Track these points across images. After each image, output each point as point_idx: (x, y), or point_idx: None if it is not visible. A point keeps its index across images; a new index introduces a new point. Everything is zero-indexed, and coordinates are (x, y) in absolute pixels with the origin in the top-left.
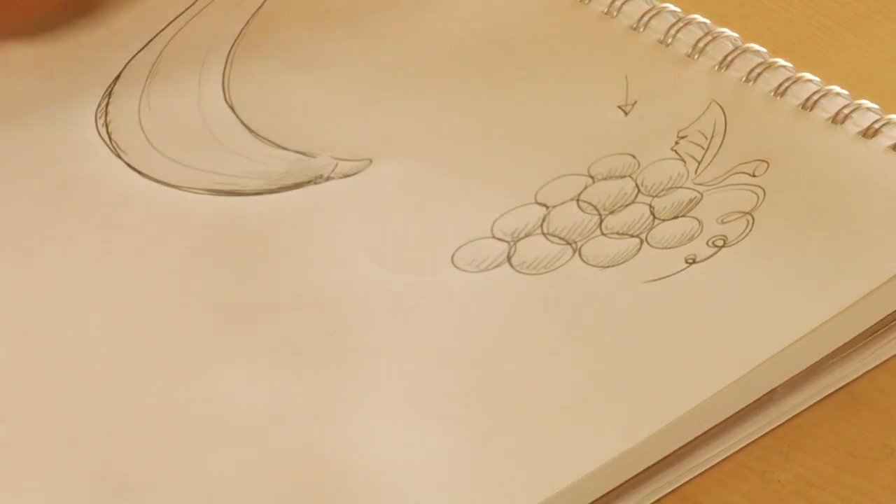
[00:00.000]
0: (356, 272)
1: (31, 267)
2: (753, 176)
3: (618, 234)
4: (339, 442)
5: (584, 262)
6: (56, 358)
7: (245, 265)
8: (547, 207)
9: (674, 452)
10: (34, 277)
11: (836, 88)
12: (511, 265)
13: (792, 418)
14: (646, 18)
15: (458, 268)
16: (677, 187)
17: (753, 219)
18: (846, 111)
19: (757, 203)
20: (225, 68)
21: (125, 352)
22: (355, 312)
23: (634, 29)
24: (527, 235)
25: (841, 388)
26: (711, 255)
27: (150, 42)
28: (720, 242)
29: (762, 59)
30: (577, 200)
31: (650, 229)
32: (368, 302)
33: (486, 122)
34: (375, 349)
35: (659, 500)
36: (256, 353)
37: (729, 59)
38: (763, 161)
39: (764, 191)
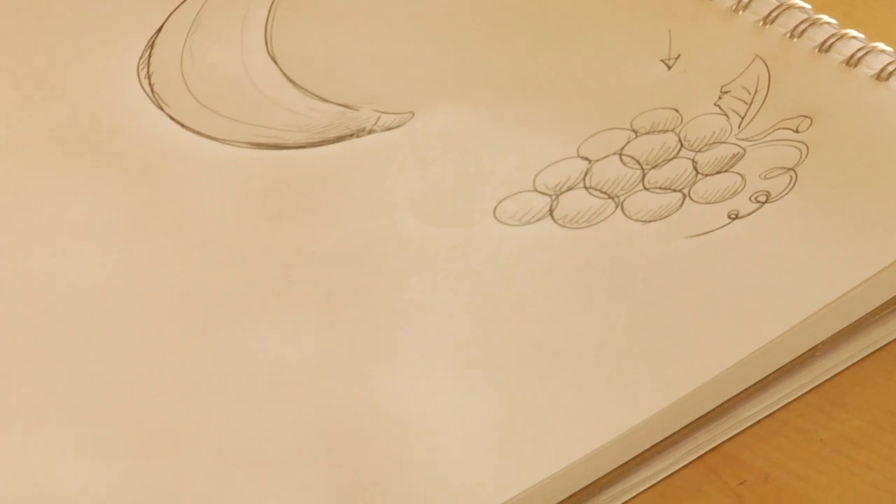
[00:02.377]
0: (398, 226)
1: (73, 221)
2: (797, 132)
3: (660, 188)
4: (378, 396)
5: (626, 216)
6: (97, 313)
7: (286, 219)
8: (589, 161)
9: (715, 409)
10: (76, 231)
11: (881, 45)
12: (553, 219)
13: (834, 376)
14: None
15: (500, 221)
16: (720, 142)
17: (796, 175)
18: (890, 68)
19: (800, 159)
20: (267, 20)
21: (166, 306)
22: (396, 266)
23: None
24: (569, 189)
25: (883, 346)
26: (754, 211)
27: None
28: (763, 198)
29: (807, 16)
30: (620, 154)
31: (693, 184)
32: (409, 256)
33: (528, 76)
34: (416, 303)
35: (700, 456)
36: (297, 307)
37: (773, 14)
38: (806, 117)
39: (807, 147)
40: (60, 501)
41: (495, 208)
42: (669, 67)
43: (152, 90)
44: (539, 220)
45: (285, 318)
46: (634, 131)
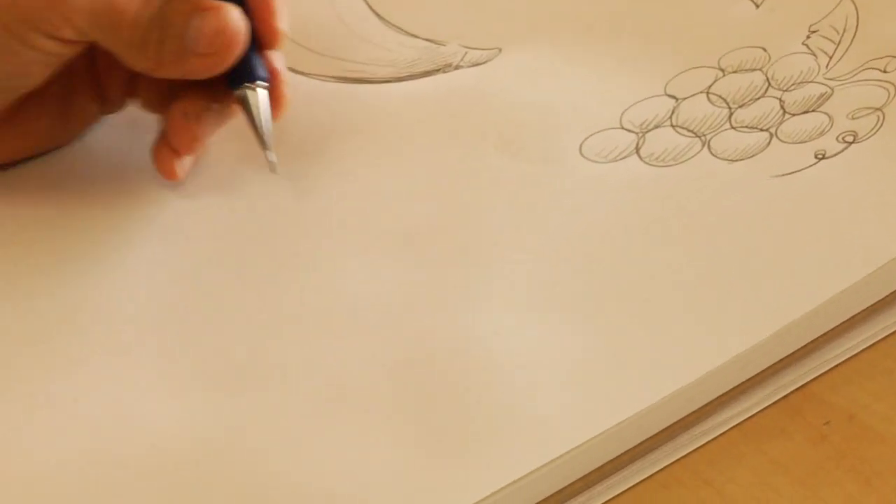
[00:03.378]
0: (483, 162)
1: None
2: (885, 72)
3: (747, 127)
4: (461, 332)
5: (712, 155)
6: (176, 243)
7: (370, 154)
8: (676, 99)
9: (800, 349)
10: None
11: None
12: (639, 156)
13: None
14: None
15: (586, 158)
16: (808, 82)
17: (884, 115)
18: None
19: (888, 99)
20: None
21: (253, 243)
22: (481, 203)
23: None
24: (656, 127)
25: None
26: (841, 151)
27: None
28: (850, 138)
29: None
30: (707, 93)
31: (780, 123)
32: (495, 192)
33: (616, 12)
34: (500, 239)
35: (784, 396)
36: (380, 242)
37: None
38: (894, 57)
39: (895, 87)
40: (146, 431)
41: (581, 145)
42: (757, 6)
43: None
44: (625, 157)
45: (368, 252)
46: (722, 70)
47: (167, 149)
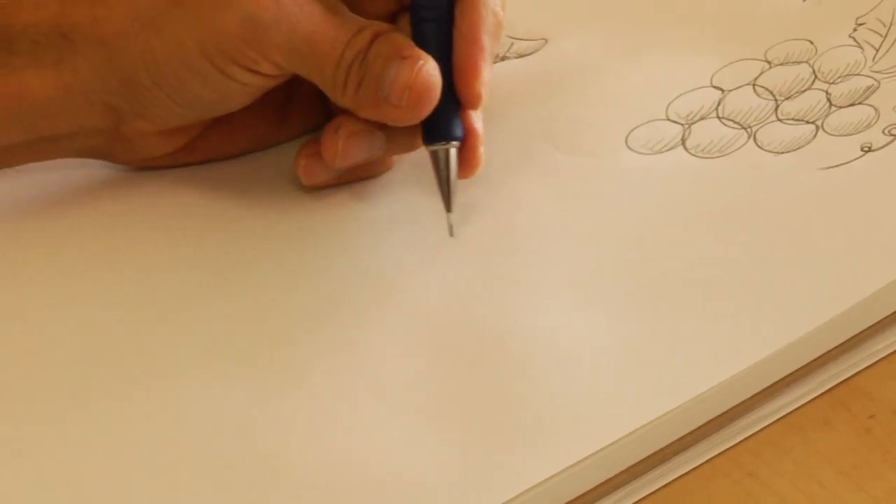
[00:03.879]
0: (530, 153)
1: None
2: None
3: (794, 119)
4: (506, 323)
5: (758, 146)
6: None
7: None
8: (723, 91)
9: (846, 342)
10: None
11: None
12: (685, 148)
13: None
14: None
15: (632, 149)
16: (854, 74)
17: None
18: None
19: None
20: None
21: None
22: (529, 193)
23: None
24: (702, 118)
25: None
26: (887, 144)
27: None
28: None
29: None
30: (754, 85)
31: (826, 116)
32: (542, 183)
33: (663, 4)
34: (545, 230)
35: (829, 389)
36: (427, 233)
37: None
38: None
39: None
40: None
41: (627, 137)
42: None
43: None
44: (671, 149)
45: (416, 244)
46: (768, 62)
47: (312, 150)
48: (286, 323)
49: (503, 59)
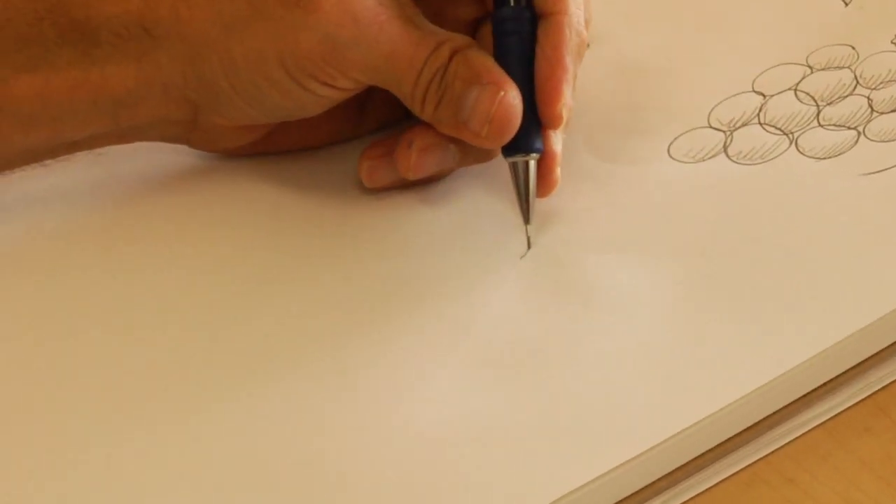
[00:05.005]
0: (572, 162)
1: None
2: None
3: (835, 125)
4: (546, 328)
5: (800, 152)
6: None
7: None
8: (764, 96)
9: (887, 348)
10: None
11: None
12: (727, 155)
13: None
14: None
15: (675, 158)
16: None
17: None
18: None
19: None
20: None
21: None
22: (570, 203)
23: None
24: (743, 125)
25: None
26: None
27: None
28: None
29: None
30: (795, 90)
31: (868, 122)
32: (583, 192)
33: (703, 8)
34: (589, 239)
35: (870, 395)
36: (465, 242)
37: None
38: None
39: None
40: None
41: (669, 146)
42: (846, 4)
43: None
44: (713, 156)
45: (454, 251)
46: (810, 67)
47: (376, 153)
48: (336, 323)
49: None
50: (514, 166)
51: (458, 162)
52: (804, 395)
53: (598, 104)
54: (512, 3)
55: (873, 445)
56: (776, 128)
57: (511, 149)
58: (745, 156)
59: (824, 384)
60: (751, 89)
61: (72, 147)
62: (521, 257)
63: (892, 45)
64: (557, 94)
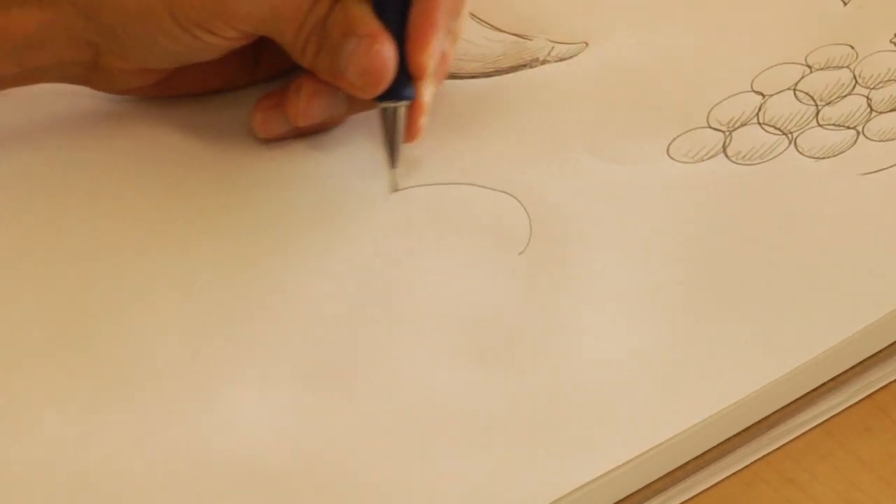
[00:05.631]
0: (571, 161)
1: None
2: None
3: (834, 125)
4: (549, 328)
5: (799, 152)
6: None
7: (456, 149)
8: (763, 96)
9: (887, 347)
10: None
11: None
12: (726, 155)
13: None
14: None
15: (674, 159)
16: (895, 80)
17: None
18: None
19: None
20: None
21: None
22: (567, 201)
23: None
24: (742, 125)
25: None
26: None
27: None
28: None
29: None
30: (794, 90)
31: (867, 121)
32: (582, 192)
33: (702, 7)
34: (588, 239)
35: (870, 395)
36: (466, 239)
37: None
38: None
39: None
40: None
41: (669, 146)
42: (845, 3)
43: None
44: (712, 157)
45: (456, 249)
46: (809, 66)
47: (268, 104)
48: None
49: (543, 63)
50: (383, 112)
51: (347, 109)
52: (804, 395)
53: (598, 104)
54: None
55: (873, 445)
56: (775, 128)
57: (381, 95)
58: (744, 156)
59: (824, 384)
60: (750, 89)
61: None
62: (388, 196)
63: (891, 45)
64: (424, 45)
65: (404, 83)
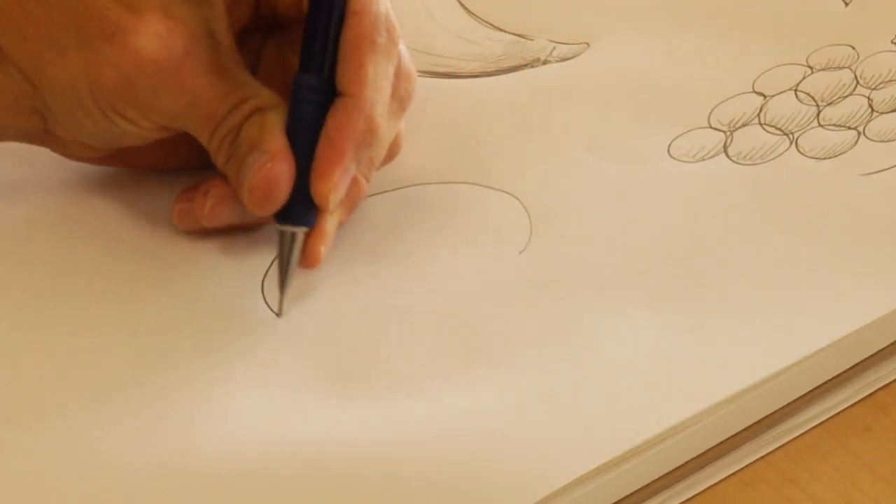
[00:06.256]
0: (572, 161)
1: None
2: None
3: (835, 125)
4: (546, 325)
5: (800, 152)
6: None
7: (457, 150)
8: (764, 97)
9: (887, 347)
10: None
11: None
12: (727, 155)
13: None
14: None
15: (675, 158)
16: None
17: None
18: None
19: None
20: None
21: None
22: (568, 201)
23: None
24: (743, 125)
25: None
26: None
27: None
28: None
29: None
30: (795, 90)
31: (868, 122)
32: (583, 192)
33: (704, 8)
34: (589, 238)
35: (870, 394)
36: (467, 238)
37: None
38: None
39: None
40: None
41: (669, 146)
42: (847, 4)
43: None
44: (713, 156)
45: (457, 249)
46: (810, 67)
47: (187, 197)
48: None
49: (545, 63)
50: (280, 234)
51: (257, 220)
52: (804, 394)
53: (599, 104)
54: (315, 72)
55: (873, 445)
56: (776, 128)
57: (282, 217)
58: (745, 156)
59: (824, 384)
60: (751, 90)
61: None
62: (276, 318)
63: (893, 45)
64: (326, 177)
65: (306, 208)
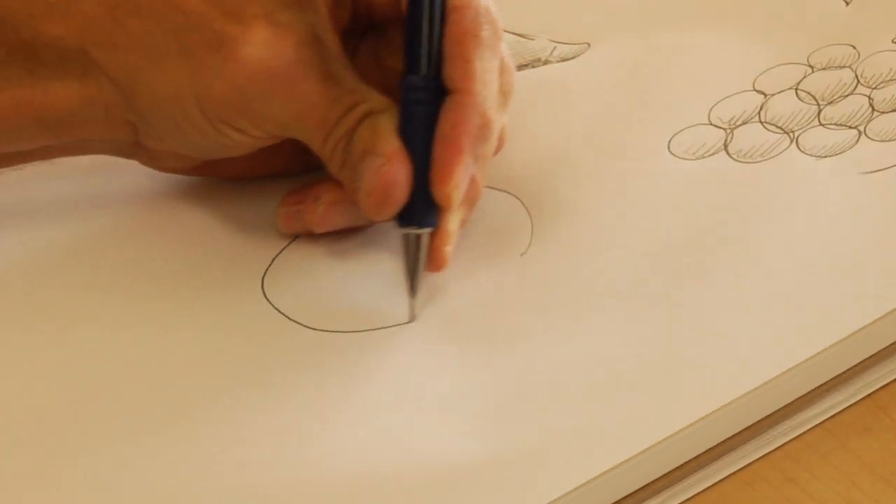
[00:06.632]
0: (572, 159)
1: None
2: None
3: (836, 124)
4: (546, 326)
5: (801, 151)
6: None
7: None
8: (765, 95)
9: (888, 347)
10: None
11: None
12: (727, 153)
13: None
14: None
15: (675, 155)
16: None
17: None
18: None
19: None
20: None
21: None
22: (568, 199)
23: None
24: (744, 123)
25: None
26: None
27: None
28: None
29: None
30: (796, 89)
31: (868, 121)
32: (584, 189)
33: (705, 7)
34: (590, 238)
35: (870, 394)
36: (469, 242)
37: None
38: None
39: None
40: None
41: (669, 142)
42: (847, 3)
43: None
44: (713, 154)
45: (460, 252)
46: (811, 66)
47: (294, 200)
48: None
49: (546, 62)
50: (405, 237)
51: (370, 221)
52: (804, 395)
53: (600, 104)
54: (422, 71)
55: (873, 445)
56: (777, 126)
57: (404, 220)
58: (745, 154)
59: (824, 384)
60: (752, 88)
61: (19, 158)
62: (407, 323)
63: (893, 45)
64: (447, 176)
65: (427, 209)
